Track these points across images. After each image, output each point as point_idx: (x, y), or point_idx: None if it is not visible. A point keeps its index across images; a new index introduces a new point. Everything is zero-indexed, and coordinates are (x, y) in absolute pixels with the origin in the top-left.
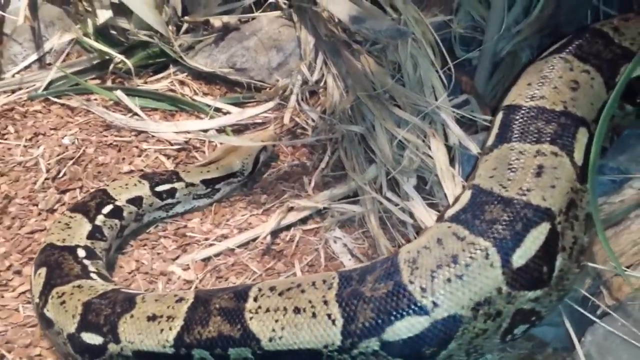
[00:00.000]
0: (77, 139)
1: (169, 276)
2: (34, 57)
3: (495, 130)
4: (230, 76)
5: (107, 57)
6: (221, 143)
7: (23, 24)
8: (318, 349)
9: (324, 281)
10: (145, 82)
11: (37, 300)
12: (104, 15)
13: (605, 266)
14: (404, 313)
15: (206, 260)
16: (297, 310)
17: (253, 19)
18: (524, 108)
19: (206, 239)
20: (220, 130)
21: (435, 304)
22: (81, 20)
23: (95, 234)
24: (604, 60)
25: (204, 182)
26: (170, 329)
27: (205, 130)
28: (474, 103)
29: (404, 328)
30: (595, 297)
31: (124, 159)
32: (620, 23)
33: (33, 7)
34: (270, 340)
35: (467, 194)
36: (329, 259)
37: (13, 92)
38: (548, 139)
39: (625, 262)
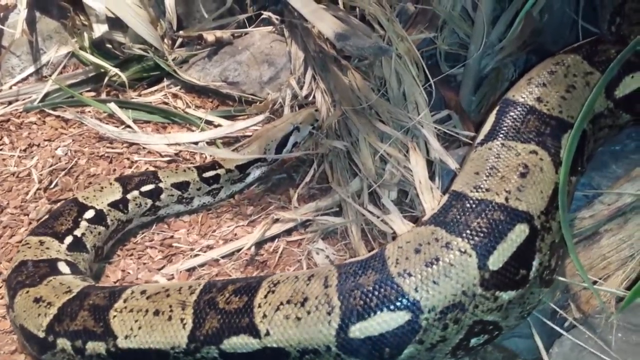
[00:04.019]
0: (70, 150)
1: None
2: (31, 69)
3: (434, 211)
4: (223, 89)
5: (103, 70)
6: (210, 155)
7: (21, 37)
8: (165, 350)
9: (190, 287)
10: (140, 95)
11: None
12: (100, 29)
13: (574, 280)
14: (241, 330)
15: (191, 270)
16: (157, 313)
17: (246, 34)
18: (467, 198)
19: (191, 250)
20: (211, 143)
21: (268, 333)
22: (78, 34)
23: (119, 205)
24: (545, 135)
25: (237, 167)
26: (46, 315)
27: (196, 143)
28: (455, 118)
29: (238, 344)
30: (563, 310)
31: (114, 170)
32: (540, 90)
33: (31, 20)
34: (126, 337)
35: (374, 251)
36: None
37: (9, 103)
38: (467, 234)
39: (594, 275)
